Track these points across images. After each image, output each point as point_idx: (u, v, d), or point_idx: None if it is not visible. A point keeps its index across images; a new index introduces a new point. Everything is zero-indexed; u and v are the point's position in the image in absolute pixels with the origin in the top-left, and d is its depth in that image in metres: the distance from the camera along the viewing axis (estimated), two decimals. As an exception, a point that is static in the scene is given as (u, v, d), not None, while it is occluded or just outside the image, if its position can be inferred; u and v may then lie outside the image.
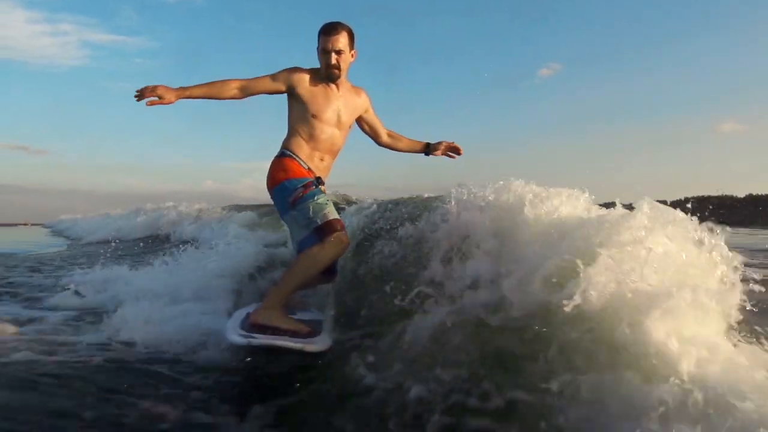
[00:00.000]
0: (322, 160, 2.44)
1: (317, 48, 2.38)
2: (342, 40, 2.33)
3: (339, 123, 2.44)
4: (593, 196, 1.83)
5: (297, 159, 2.37)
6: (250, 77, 2.34)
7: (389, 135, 2.74)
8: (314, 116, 2.38)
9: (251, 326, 2.19)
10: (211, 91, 2.27)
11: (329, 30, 2.33)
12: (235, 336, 2.14)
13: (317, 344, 2.12)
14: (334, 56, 2.33)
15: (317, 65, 2.40)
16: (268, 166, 2.43)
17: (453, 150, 2.76)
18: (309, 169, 2.38)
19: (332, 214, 2.26)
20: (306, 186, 2.30)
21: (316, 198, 2.27)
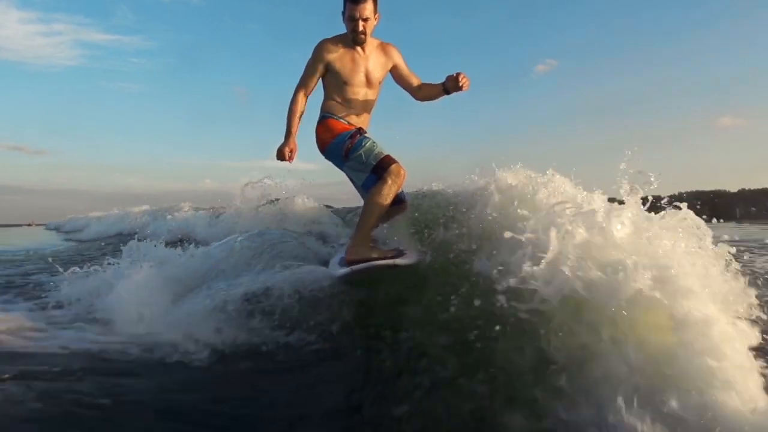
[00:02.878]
0: (358, 116, 2.74)
1: (343, 13, 2.60)
2: (369, 8, 2.56)
3: (369, 83, 2.73)
4: (601, 191, 1.89)
5: (336, 118, 2.69)
6: (301, 82, 2.71)
7: (419, 87, 2.84)
8: (345, 83, 2.68)
9: (348, 263, 2.51)
10: (297, 116, 2.70)
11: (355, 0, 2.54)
12: (338, 270, 2.54)
13: (407, 258, 2.46)
14: (361, 23, 2.57)
15: (339, 31, 2.64)
16: (315, 130, 2.74)
17: (455, 81, 2.63)
18: (349, 123, 2.70)
19: (383, 152, 2.56)
20: (352, 137, 2.62)
21: (364, 143, 2.58)
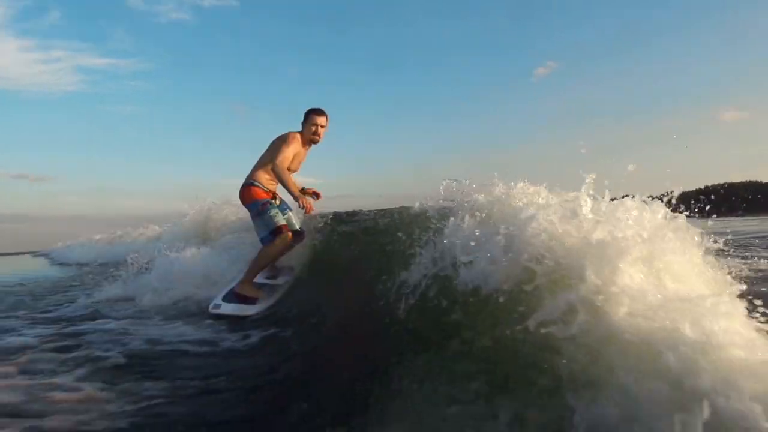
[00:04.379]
0: (276, 183, 3.86)
1: (306, 121, 3.79)
2: (326, 120, 3.81)
3: (294, 170, 3.87)
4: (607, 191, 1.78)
5: (261, 187, 3.84)
6: (285, 162, 3.64)
7: (288, 170, 3.84)
8: (289, 168, 3.74)
9: (234, 295, 3.74)
10: (290, 179, 3.65)
11: (320, 112, 3.77)
12: (217, 309, 3.65)
13: (260, 306, 3.66)
14: (320, 129, 3.79)
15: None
16: (240, 189, 3.89)
17: (314, 194, 4.11)
18: (267, 191, 3.86)
19: (281, 221, 3.75)
20: (264, 204, 3.78)
21: (270, 212, 3.76)
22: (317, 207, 3.89)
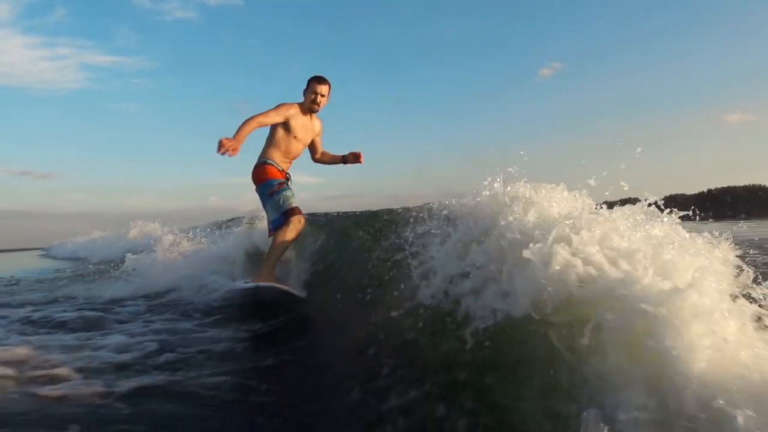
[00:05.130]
0: (289, 163, 3.68)
1: (307, 88, 3.56)
2: (327, 89, 3.57)
3: (305, 141, 3.69)
4: (607, 193, 1.76)
5: (274, 165, 3.57)
6: (261, 116, 3.39)
7: (322, 154, 3.90)
8: (296, 138, 3.59)
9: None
10: (249, 132, 3.30)
11: (321, 80, 3.54)
12: (243, 285, 3.34)
13: (299, 292, 3.38)
14: (320, 98, 3.54)
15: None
16: (252, 170, 3.61)
17: (356, 157, 3.83)
18: (281, 170, 3.60)
19: (294, 203, 3.46)
20: (280, 184, 3.51)
21: (285, 192, 3.47)
22: (359, 167, 3.78)
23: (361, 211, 4.51)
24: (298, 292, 3.38)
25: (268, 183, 3.50)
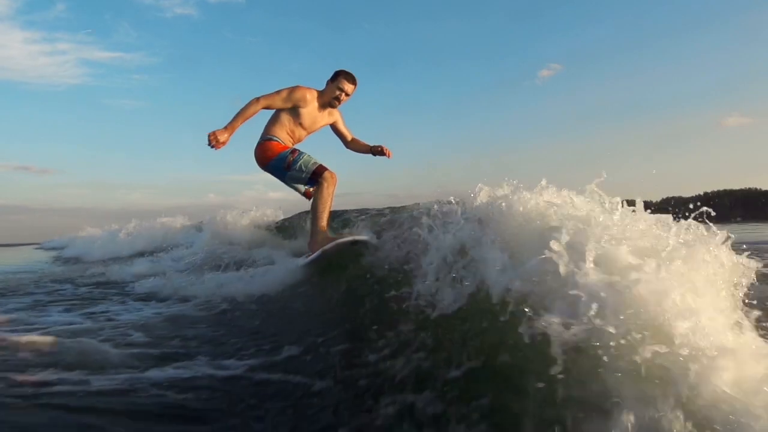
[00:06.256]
0: (292, 144, 3.49)
1: (333, 81, 3.37)
2: (353, 90, 3.43)
3: (310, 130, 3.55)
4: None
5: (278, 140, 3.41)
6: (267, 98, 3.25)
7: (353, 140, 3.77)
8: (302, 125, 3.45)
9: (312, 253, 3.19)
10: (246, 118, 3.19)
11: (351, 79, 3.38)
12: (307, 259, 3.19)
13: (364, 236, 3.06)
14: (344, 97, 3.40)
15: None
16: (254, 150, 3.44)
17: (383, 151, 3.70)
18: (285, 145, 3.41)
19: (317, 162, 3.30)
20: (292, 152, 3.34)
21: (302, 157, 3.31)
22: (388, 161, 3.63)
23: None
24: (366, 236, 3.08)
25: (279, 157, 3.33)
